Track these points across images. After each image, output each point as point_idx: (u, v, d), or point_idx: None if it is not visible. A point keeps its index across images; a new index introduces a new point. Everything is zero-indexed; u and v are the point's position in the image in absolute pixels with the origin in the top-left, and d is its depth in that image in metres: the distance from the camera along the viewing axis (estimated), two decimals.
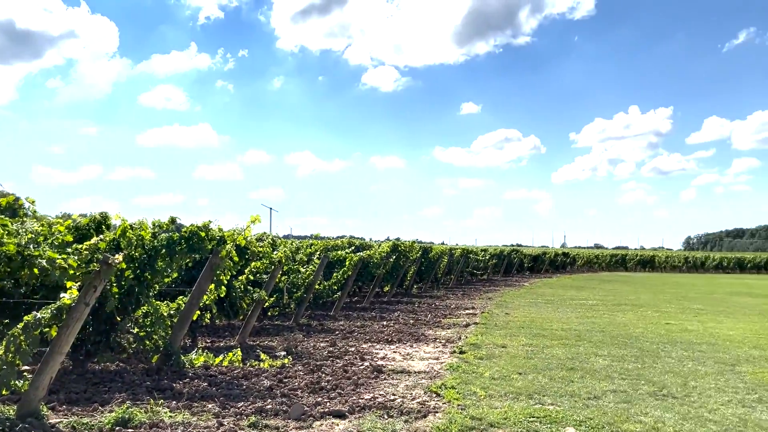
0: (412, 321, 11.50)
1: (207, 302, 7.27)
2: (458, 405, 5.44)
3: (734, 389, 6.40)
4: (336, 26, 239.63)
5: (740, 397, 6.09)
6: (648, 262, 54.99)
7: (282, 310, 10.96)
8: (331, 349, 8.31)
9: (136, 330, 6.69)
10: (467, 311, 13.65)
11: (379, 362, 7.41)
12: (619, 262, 53.68)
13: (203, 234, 6.67)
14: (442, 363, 7.46)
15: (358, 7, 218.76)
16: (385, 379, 6.54)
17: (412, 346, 8.75)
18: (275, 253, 8.82)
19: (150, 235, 6.48)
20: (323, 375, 6.59)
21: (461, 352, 8.14)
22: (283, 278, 10.39)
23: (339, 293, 12.43)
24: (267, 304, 9.57)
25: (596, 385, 6.41)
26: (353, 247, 13.82)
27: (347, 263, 12.31)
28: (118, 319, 6.36)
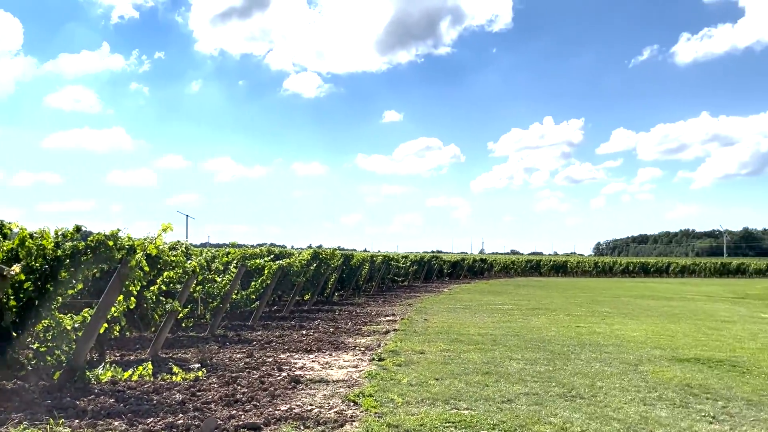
0: (332, 329, 11.44)
1: (115, 314, 6.94)
2: (375, 413, 5.44)
3: (637, 388, 6.74)
4: (257, 30, 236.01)
5: (642, 395, 6.42)
6: (561, 268, 57.24)
7: (197, 321, 10.63)
8: (247, 360, 8.12)
9: (36, 345, 6.29)
10: (387, 318, 13.72)
11: (297, 372, 7.32)
12: (534, 267, 55.60)
13: (111, 243, 6.37)
14: (360, 371, 7.45)
15: (280, 11, 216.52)
16: (302, 389, 6.46)
17: (331, 355, 8.69)
18: (189, 262, 8.54)
19: (52, 244, 6.12)
20: (239, 387, 6.42)
21: (380, 360, 8.16)
22: (198, 288, 10.09)
23: (257, 303, 12.19)
24: (181, 315, 9.26)
25: (510, 388, 6.59)
26: (272, 256, 13.61)
27: (266, 272, 12.10)
28: (16, 334, 5.96)
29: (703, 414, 5.71)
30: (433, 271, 34.20)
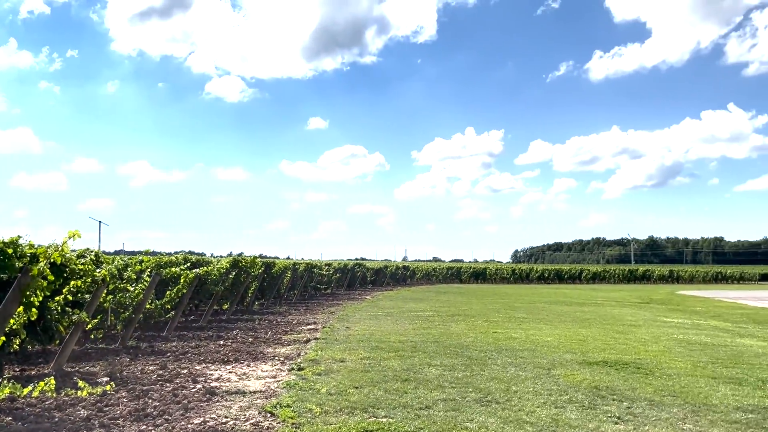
0: (251, 339, 11.20)
1: (14, 327, 6.51)
2: (293, 423, 5.36)
3: (549, 392, 6.97)
4: (178, 32, 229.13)
5: (554, 398, 6.64)
6: (480, 274, 58.67)
7: (107, 333, 10.15)
8: (161, 372, 7.81)
9: None
10: (309, 327, 13.59)
11: (213, 384, 7.11)
12: (455, 274, 56.73)
13: (11, 251, 5.99)
14: (279, 381, 7.32)
15: (202, 13, 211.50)
16: (218, 401, 6.27)
17: (249, 366, 8.50)
18: (99, 270, 8.14)
19: None
20: (150, 401, 6.16)
21: (299, 369, 8.05)
22: (108, 298, 9.63)
23: (173, 312, 11.78)
24: (89, 326, 8.80)
25: (428, 394, 6.65)
26: (189, 263, 13.20)
27: (182, 280, 11.71)
28: None
29: (610, 415, 5.97)
30: (357, 279, 34.21)
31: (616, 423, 5.70)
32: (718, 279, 69.64)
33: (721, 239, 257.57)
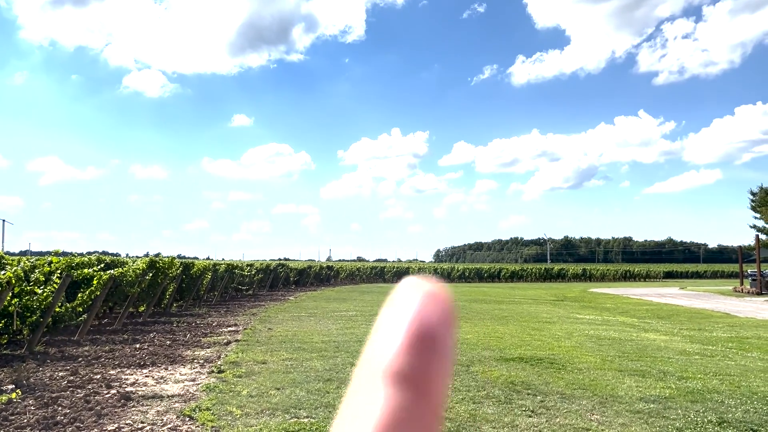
0: (169, 342, 10.89)
1: None
2: (212, 427, 5.27)
3: (467, 388, 7.18)
4: (95, 21, 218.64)
5: (472, 394, 6.85)
6: (404, 273, 59.29)
7: (13, 338, 9.60)
8: (71, 378, 7.48)
9: None
10: (229, 328, 13.34)
11: (129, 389, 6.88)
12: (379, 273, 57.13)
13: None
14: (198, 384, 7.17)
15: (122, 3, 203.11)
16: (134, 406, 6.08)
17: (167, 369, 8.27)
18: (2, 273, 7.70)
19: None
20: (60, 408, 5.90)
21: (219, 372, 7.91)
22: (14, 301, 9.11)
23: (85, 316, 11.27)
24: None
25: None
26: (103, 264, 12.67)
27: (95, 282, 11.23)
28: None
29: (524, 408, 6.22)
30: (280, 279, 33.83)
31: (530, 416, 5.95)
32: (627, 277, 73.50)
33: (629, 239, 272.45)
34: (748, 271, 38.48)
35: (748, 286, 35.06)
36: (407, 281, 0.33)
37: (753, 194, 47.05)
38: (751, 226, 47.64)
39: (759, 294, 32.61)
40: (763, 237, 39.85)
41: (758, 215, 45.63)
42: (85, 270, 11.37)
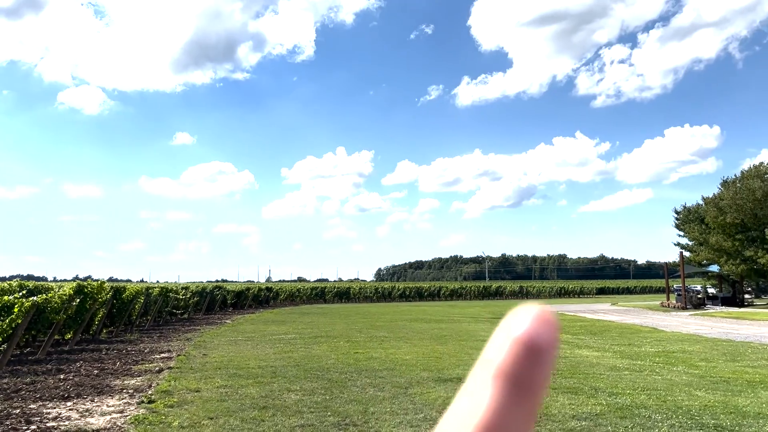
0: (96, 371, 10.42)
1: None
2: None
3: (405, 411, 7.16)
4: (28, 34, 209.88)
5: (410, 417, 6.83)
6: (344, 294, 59.05)
7: None
8: None
9: None
10: (162, 355, 12.90)
11: (50, 424, 6.53)
12: (319, 294, 56.60)
13: None
14: (126, 416, 6.88)
15: (58, 16, 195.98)
16: None
17: (93, 401, 7.90)
18: None
19: None
20: None
21: (150, 402, 7.62)
22: None
23: (4, 345, 10.65)
24: None
25: (286, 421, 6.57)
26: (26, 291, 12.05)
27: (16, 310, 10.65)
28: None
29: None
30: (216, 302, 33.03)
31: None
32: (562, 294, 75.49)
33: (564, 256, 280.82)
34: (674, 286, 40.30)
35: (674, 301, 36.68)
36: (523, 307, 0.39)
37: (677, 213, 49.38)
38: (675, 244, 49.99)
39: (684, 309, 34.14)
40: (686, 254, 41.75)
41: (682, 233, 47.87)
42: (5, 297, 10.77)
